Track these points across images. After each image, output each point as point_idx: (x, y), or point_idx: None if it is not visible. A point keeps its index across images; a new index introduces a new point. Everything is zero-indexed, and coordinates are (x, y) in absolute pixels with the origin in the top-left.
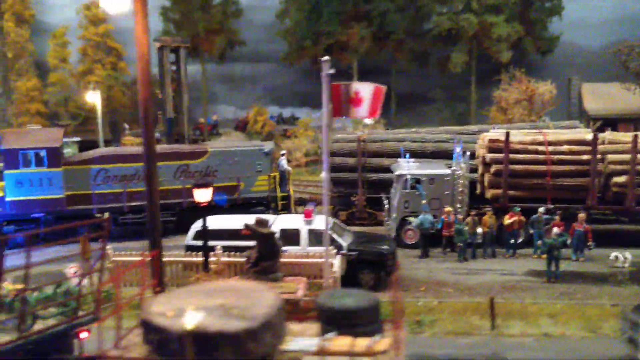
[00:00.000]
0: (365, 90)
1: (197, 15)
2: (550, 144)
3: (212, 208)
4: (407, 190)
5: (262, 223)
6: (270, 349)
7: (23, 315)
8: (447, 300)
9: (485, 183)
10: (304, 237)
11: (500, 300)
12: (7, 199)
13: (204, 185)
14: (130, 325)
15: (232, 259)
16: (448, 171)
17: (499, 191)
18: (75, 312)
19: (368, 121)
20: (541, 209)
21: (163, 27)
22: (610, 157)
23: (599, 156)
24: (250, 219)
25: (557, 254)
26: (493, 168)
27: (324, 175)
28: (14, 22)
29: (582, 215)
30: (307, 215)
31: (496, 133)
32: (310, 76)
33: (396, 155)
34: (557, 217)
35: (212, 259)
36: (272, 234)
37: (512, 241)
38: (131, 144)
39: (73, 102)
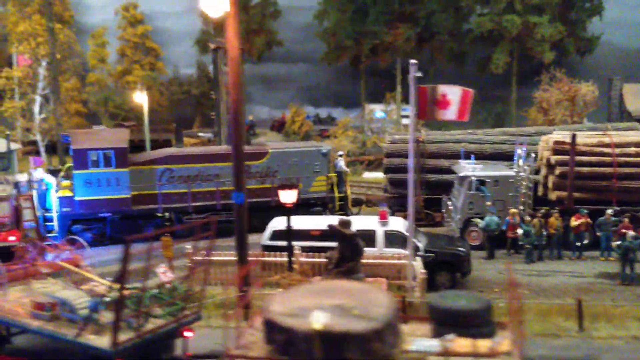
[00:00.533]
0: (453, 93)
1: (240, 17)
2: (617, 145)
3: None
4: (471, 192)
5: (345, 224)
6: (392, 349)
7: (140, 314)
8: (530, 301)
9: (549, 185)
10: (379, 238)
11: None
12: (76, 198)
13: (290, 187)
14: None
15: (311, 259)
16: (512, 173)
17: (564, 193)
18: (181, 312)
19: (405, 121)
20: (609, 211)
21: (200, 27)
22: None
23: None
24: (327, 219)
25: (633, 257)
26: (558, 170)
27: (410, 176)
28: (55, 23)
29: None
30: (383, 216)
31: (559, 135)
32: (347, 76)
33: (454, 156)
34: (625, 220)
35: (283, 259)
36: (356, 235)
37: (578, 243)
38: (190, 145)
39: (112, 102)
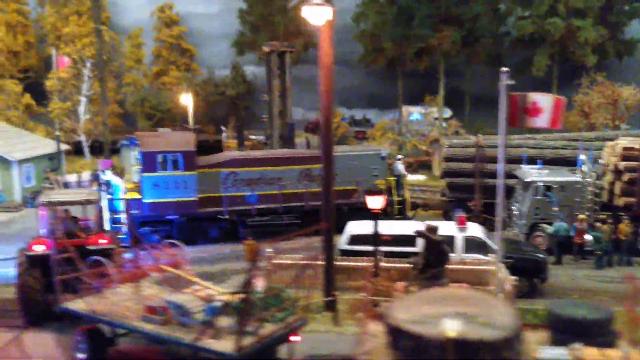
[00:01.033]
0: (544, 101)
1: (278, 18)
2: None
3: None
4: (537, 197)
5: (432, 230)
6: (519, 357)
7: (258, 319)
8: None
9: (616, 191)
10: (459, 244)
11: None
12: (145, 200)
13: (376, 192)
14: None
15: (397, 265)
16: (579, 178)
17: (632, 199)
18: (291, 317)
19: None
20: None
21: (235, 28)
22: None
23: None
24: (404, 224)
25: None
26: (626, 176)
27: (498, 182)
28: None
29: None
30: (461, 222)
31: (627, 141)
32: (380, 78)
33: (514, 161)
34: None
35: (368, 264)
36: (443, 240)
37: None
38: (234, 146)
39: (148, 103)
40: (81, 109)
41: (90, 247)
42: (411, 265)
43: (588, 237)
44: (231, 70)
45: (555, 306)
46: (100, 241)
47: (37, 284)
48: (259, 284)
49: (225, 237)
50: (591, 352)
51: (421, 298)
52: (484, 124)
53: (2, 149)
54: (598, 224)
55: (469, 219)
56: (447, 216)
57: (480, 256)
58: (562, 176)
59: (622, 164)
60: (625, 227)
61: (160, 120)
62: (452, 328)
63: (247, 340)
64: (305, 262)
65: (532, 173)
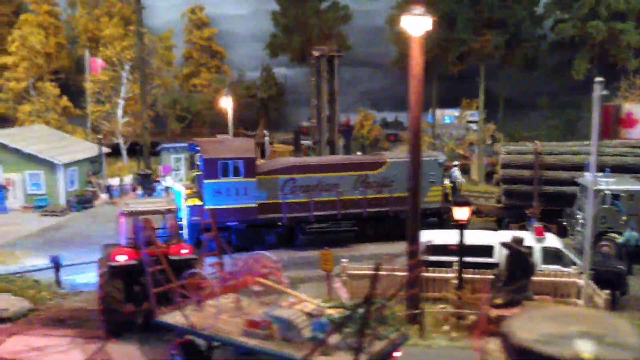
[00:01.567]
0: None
1: (312, 21)
2: None
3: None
4: (604, 206)
5: (519, 241)
6: None
7: (368, 335)
8: None
9: None
10: (537, 255)
11: None
12: (206, 207)
13: (463, 203)
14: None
15: (475, 276)
16: None
17: None
18: (395, 332)
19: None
20: None
21: (265, 30)
22: None
23: None
24: (478, 234)
25: None
26: None
27: (590, 194)
28: (122, 25)
29: None
30: (539, 232)
31: None
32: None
33: (572, 168)
34: None
35: (449, 275)
36: (530, 252)
37: None
38: (282, 151)
39: (179, 105)
40: (119, 111)
41: (173, 258)
42: (495, 277)
43: None
44: (261, 72)
45: None
46: (182, 251)
47: (119, 295)
48: (343, 296)
49: (281, 244)
50: None
51: (538, 316)
52: (517, 128)
53: (48, 153)
54: None
55: (525, 227)
56: (500, 223)
57: (560, 267)
58: (629, 184)
59: None
60: None
61: (191, 123)
62: (587, 350)
63: (362, 359)
64: (386, 272)
65: (599, 181)
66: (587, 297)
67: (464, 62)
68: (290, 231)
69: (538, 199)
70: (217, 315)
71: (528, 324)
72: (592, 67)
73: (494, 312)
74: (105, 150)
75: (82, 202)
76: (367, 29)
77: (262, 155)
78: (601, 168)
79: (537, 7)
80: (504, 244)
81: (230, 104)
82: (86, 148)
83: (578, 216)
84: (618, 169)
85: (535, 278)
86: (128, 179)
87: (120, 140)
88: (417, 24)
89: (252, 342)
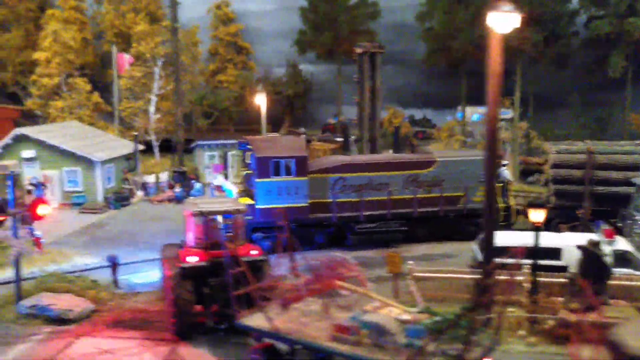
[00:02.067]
0: None
1: (343, 17)
2: None
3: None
4: None
5: (596, 244)
6: None
7: (471, 342)
8: None
9: None
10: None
11: None
12: (258, 206)
13: (539, 206)
14: None
15: (550, 279)
16: None
17: None
18: (490, 340)
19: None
20: None
21: (290, 26)
22: None
23: None
24: (544, 236)
25: None
26: None
27: None
28: (149, 21)
29: None
30: (609, 235)
31: None
32: (439, 77)
33: (624, 168)
34: None
35: (520, 277)
36: (605, 255)
37: None
38: (323, 149)
39: (206, 101)
40: (151, 108)
41: (243, 259)
42: (569, 281)
43: None
44: (287, 69)
45: None
46: (252, 252)
47: (190, 297)
48: (419, 299)
49: (331, 244)
50: None
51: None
52: (547, 126)
53: (85, 150)
54: None
55: (575, 228)
56: (548, 224)
57: (632, 271)
58: None
59: None
60: None
61: (217, 120)
62: None
63: None
64: (456, 275)
65: None
66: None
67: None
68: (340, 231)
69: (590, 200)
70: (302, 319)
71: (634, 333)
72: (628, 65)
73: (572, 317)
74: (140, 147)
75: (120, 199)
76: (392, 26)
77: None
78: None
79: (569, 3)
80: (581, 247)
81: (264, 101)
82: (121, 145)
83: (637, 217)
84: None
85: (624, 282)
86: (164, 177)
87: (152, 137)
88: (504, 21)
89: (342, 348)
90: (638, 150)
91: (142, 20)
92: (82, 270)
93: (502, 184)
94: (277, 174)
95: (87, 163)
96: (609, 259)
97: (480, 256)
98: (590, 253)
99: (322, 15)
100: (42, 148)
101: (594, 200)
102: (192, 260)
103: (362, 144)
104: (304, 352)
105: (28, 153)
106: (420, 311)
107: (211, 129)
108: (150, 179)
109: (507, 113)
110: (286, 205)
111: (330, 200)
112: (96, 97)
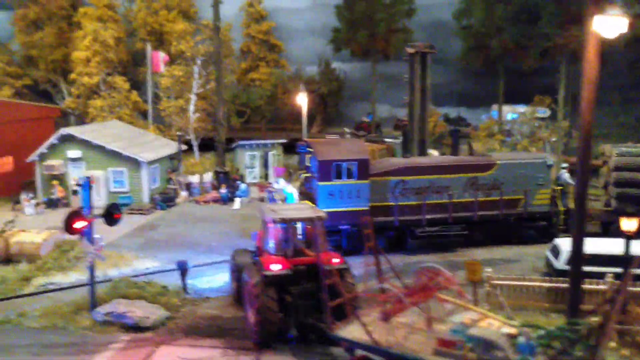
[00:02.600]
0: None
1: (379, 15)
2: None
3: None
4: None
5: None
6: None
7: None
8: None
9: None
10: None
11: None
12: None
13: (631, 214)
14: None
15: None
16: None
17: None
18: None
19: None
20: None
21: (322, 23)
22: None
23: None
24: (612, 242)
25: None
26: None
27: None
28: (181, 19)
29: None
30: None
31: None
32: (475, 76)
33: None
34: None
35: (601, 286)
36: None
37: None
38: (372, 150)
39: (238, 100)
40: (191, 107)
41: (326, 267)
42: None
43: None
44: (319, 67)
45: None
46: (334, 260)
47: (275, 305)
48: (507, 310)
49: (391, 248)
50: None
51: None
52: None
53: (130, 150)
54: None
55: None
56: (607, 227)
57: None
58: None
59: None
60: None
61: (249, 118)
62: None
63: None
64: (536, 283)
65: None
66: None
67: (545, 58)
68: (400, 235)
69: None
70: (403, 332)
71: None
72: None
73: None
74: (183, 147)
75: (166, 200)
76: (427, 23)
77: None
78: None
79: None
80: None
81: (305, 101)
82: (163, 144)
83: None
84: None
85: None
86: (207, 177)
87: (192, 137)
88: (612, 25)
89: None
90: None
91: (177, 18)
92: (145, 274)
93: (561, 187)
94: (338, 177)
95: (134, 163)
96: None
97: (556, 263)
98: None
99: (358, 13)
100: (88, 148)
101: None
102: (276, 268)
103: (413, 144)
104: None
105: (74, 153)
106: (523, 325)
107: (244, 127)
108: (194, 179)
109: (544, 112)
110: (347, 208)
111: (392, 203)
112: (135, 95)
